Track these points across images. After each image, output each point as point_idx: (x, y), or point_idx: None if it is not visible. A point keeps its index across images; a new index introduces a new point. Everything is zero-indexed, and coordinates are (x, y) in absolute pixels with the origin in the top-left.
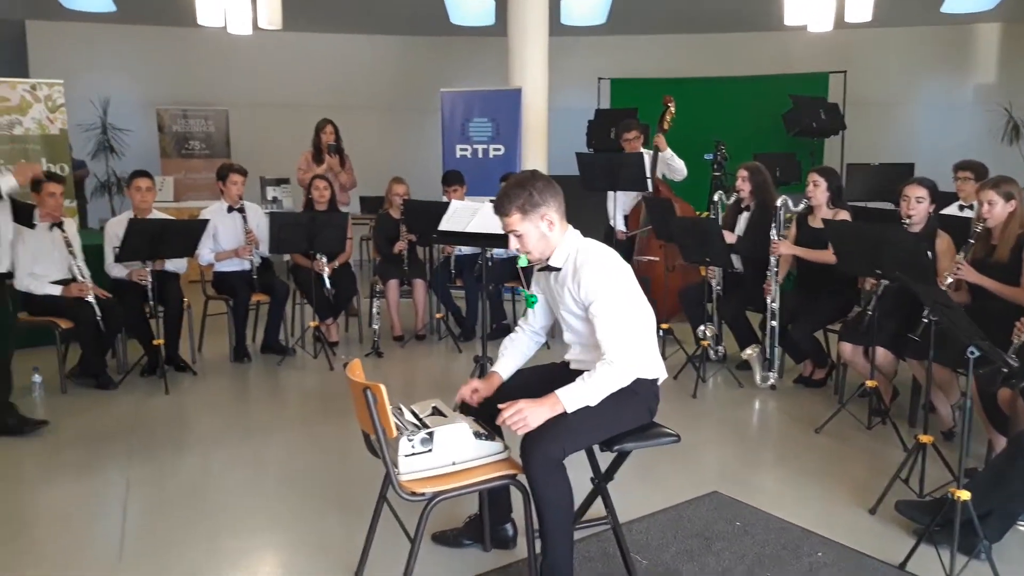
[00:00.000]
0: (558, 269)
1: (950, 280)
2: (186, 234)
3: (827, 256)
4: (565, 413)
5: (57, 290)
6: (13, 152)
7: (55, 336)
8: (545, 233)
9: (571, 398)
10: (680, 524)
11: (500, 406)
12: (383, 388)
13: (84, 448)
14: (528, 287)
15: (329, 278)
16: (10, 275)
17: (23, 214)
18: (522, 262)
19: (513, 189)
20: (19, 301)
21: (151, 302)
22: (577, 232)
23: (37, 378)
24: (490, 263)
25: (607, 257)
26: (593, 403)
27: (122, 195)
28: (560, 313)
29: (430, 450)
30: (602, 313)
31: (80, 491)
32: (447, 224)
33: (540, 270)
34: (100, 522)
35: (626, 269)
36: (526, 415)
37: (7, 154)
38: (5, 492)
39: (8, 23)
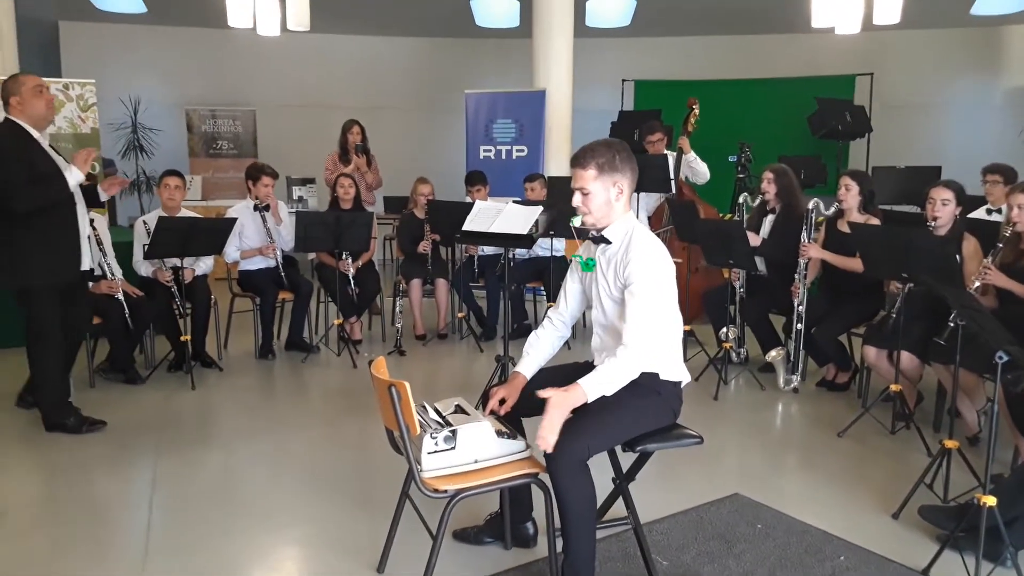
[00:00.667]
0: (609, 243)
1: (977, 284)
2: (214, 232)
3: (855, 264)
4: (589, 413)
5: (87, 286)
6: None
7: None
8: (611, 200)
9: (593, 387)
10: (701, 526)
11: (509, 431)
12: (407, 386)
13: (112, 442)
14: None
15: (353, 277)
16: (91, 273)
17: (91, 198)
18: (575, 221)
19: (598, 146)
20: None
21: (177, 300)
22: (637, 219)
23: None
24: (512, 263)
25: (660, 250)
26: (609, 392)
27: (151, 193)
28: (595, 291)
29: (453, 448)
30: (637, 296)
31: (108, 484)
32: (471, 224)
33: (593, 240)
34: (128, 515)
35: (672, 268)
36: (545, 436)
37: None
38: (35, 484)
39: (42, 24)
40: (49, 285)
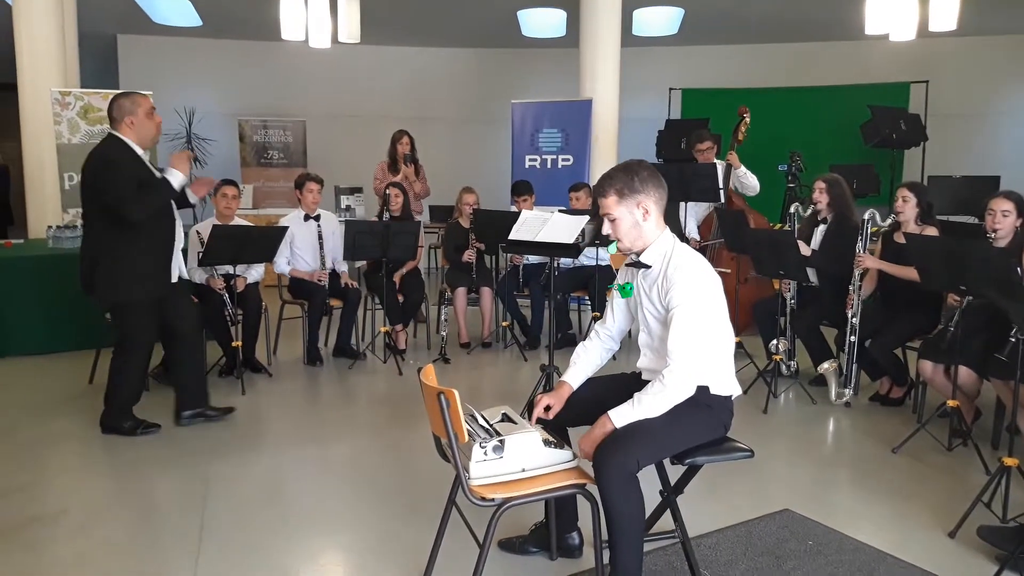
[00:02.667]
0: (648, 267)
1: None
2: (266, 240)
3: (912, 272)
4: (639, 425)
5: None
6: None
7: None
8: (639, 222)
9: (622, 417)
10: (750, 541)
11: (555, 440)
12: (456, 394)
13: (165, 444)
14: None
15: (398, 286)
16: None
17: (181, 200)
18: (611, 249)
19: (617, 172)
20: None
21: (229, 307)
22: (674, 236)
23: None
24: (557, 273)
25: (701, 266)
26: (651, 416)
27: (204, 202)
28: (641, 314)
29: (501, 457)
30: (680, 319)
31: (163, 485)
32: (517, 233)
33: (629, 265)
34: (181, 516)
35: (717, 282)
36: (585, 450)
37: None
38: (93, 484)
39: (101, 37)
40: (140, 300)
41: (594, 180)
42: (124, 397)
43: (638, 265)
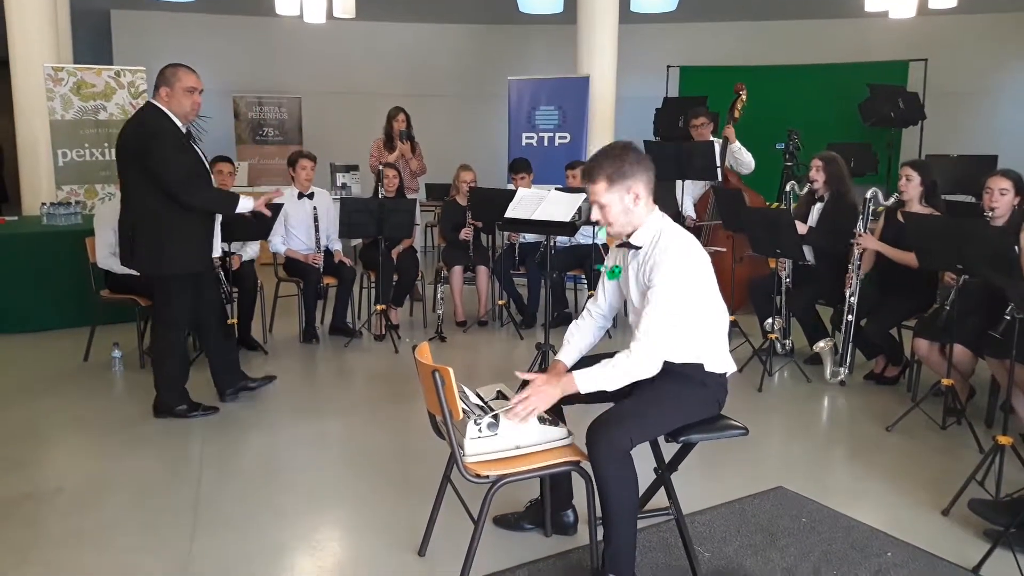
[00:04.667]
0: (638, 248)
1: None
2: (261, 218)
3: (910, 258)
4: (633, 402)
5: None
6: (98, 135)
7: (135, 313)
8: (629, 207)
9: (586, 380)
10: (744, 518)
11: (550, 418)
12: (451, 371)
13: (160, 423)
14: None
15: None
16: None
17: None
18: (602, 235)
19: (604, 158)
20: (101, 279)
21: (225, 285)
22: (665, 216)
23: (117, 353)
24: (553, 251)
25: (688, 248)
26: (609, 389)
27: None
28: (629, 293)
29: (496, 434)
30: (655, 299)
31: (157, 463)
32: (514, 211)
33: (619, 246)
34: (175, 494)
35: (704, 262)
36: (533, 401)
37: (92, 137)
38: (88, 463)
39: (94, 12)
40: (186, 274)
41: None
42: (173, 377)
43: (628, 246)
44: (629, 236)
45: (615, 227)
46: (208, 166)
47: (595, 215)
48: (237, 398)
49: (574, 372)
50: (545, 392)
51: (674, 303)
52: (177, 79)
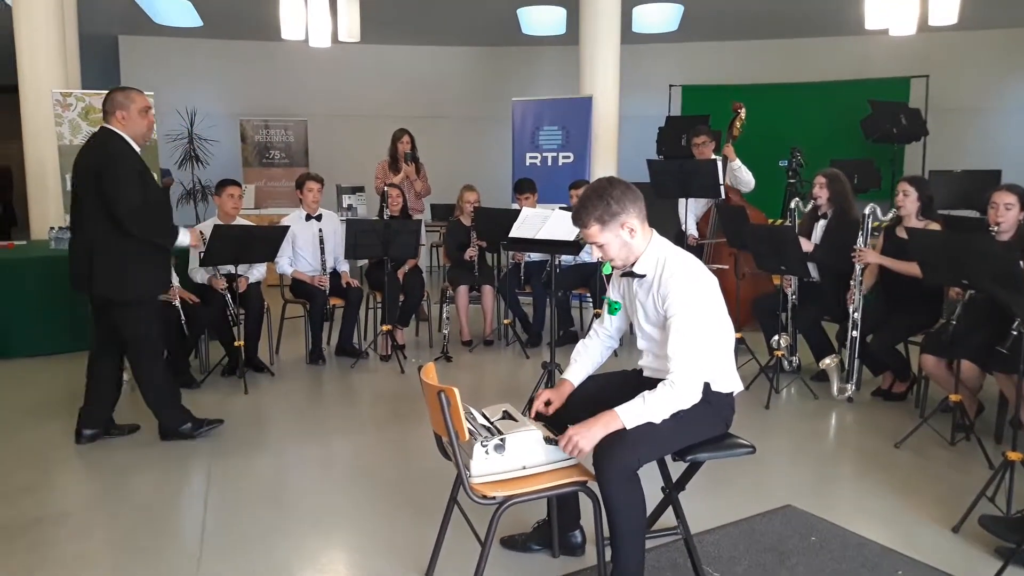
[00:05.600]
0: (643, 276)
1: None
2: (267, 240)
3: (913, 268)
4: (639, 424)
5: None
6: None
7: None
8: (627, 241)
9: (631, 415)
10: (753, 537)
11: (557, 438)
12: (456, 392)
13: (168, 445)
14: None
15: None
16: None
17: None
18: (606, 269)
19: (590, 200)
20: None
21: (231, 307)
22: (664, 239)
23: (125, 376)
24: (558, 270)
25: (695, 270)
26: (655, 421)
27: (206, 202)
28: (636, 319)
29: (502, 455)
30: (679, 327)
31: (165, 486)
32: (518, 231)
33: (623, 275)
34: (183, 516)
35: (712, 282)
36: (577, 441)
37: None
38: (95, 486)
39: (102, 38)
40: (154, 294)
41: (595, 177)
42: (168, 398)
43: (632, 275)
44: (632, 265)
45: (617, 262)
46: (162, 197)
47: (595, 255)
48: (92, 442)
49: (617, 409)
50: (589, 432)
51: (697, 325)
52: (132, 101)
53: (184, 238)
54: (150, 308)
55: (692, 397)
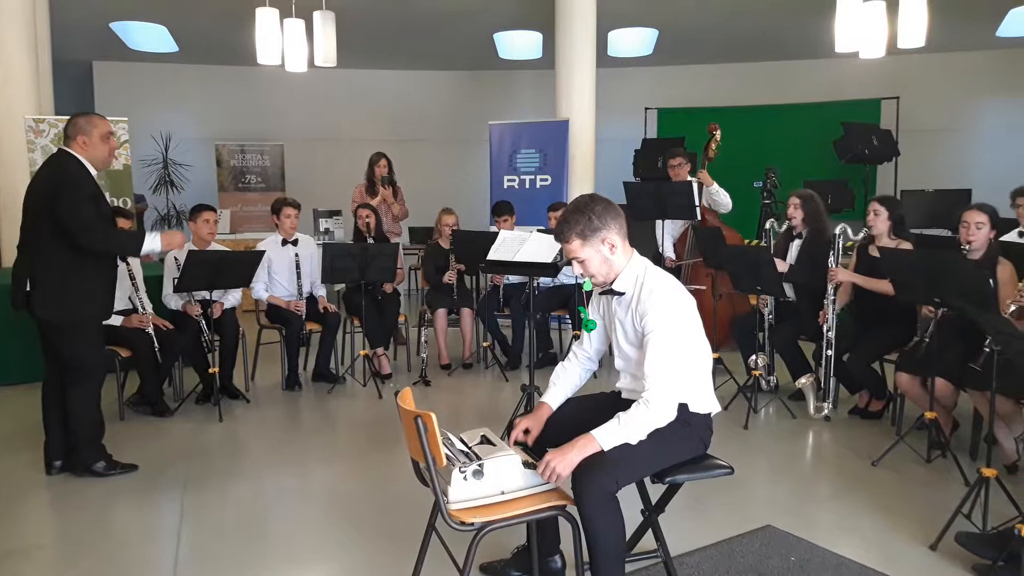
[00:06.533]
0: (622, 294)
1: (1013, 308)
2: (242, 265)
3: (885, 286)
4: (619, 446)
5: (118, 320)
6: None
7: (115, 364)
8: (607, 257)
9: (607, 437)
10: (733, 558)
11: (535, 463)
12: (434, 417)
13: (140, 475)
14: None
15: (376, 304)
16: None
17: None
18: (587, 286)
19: (572, 215)
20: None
21: (206, 333)
22: (644, 259)
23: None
24: (537, 292)
25: (674, 289)
26: (632, 442)
27: (181, 227)
28: (615, 338)
29: (480, 480)
30: (656, 344)
31: (137, 517)
32: (496, 253)
33: (602, 294)
34: (156, 548)
35: (690, 302)
36: (555, 467)
37: None
38: (65, 518)
39: (77, 64)
40: (95, 319)
41: (572, 199)
42: (91, 431)
43: (611, 293)
44: (612, 283)
45: (598, 278)
46: (111, 215)
47: (576, 271)
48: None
49: (593, 432)
50: (566, 458)
51: (673, 344)
52: (94, 126)
53: (154, 243)
54: (90, 333)
55: (667, 416)
